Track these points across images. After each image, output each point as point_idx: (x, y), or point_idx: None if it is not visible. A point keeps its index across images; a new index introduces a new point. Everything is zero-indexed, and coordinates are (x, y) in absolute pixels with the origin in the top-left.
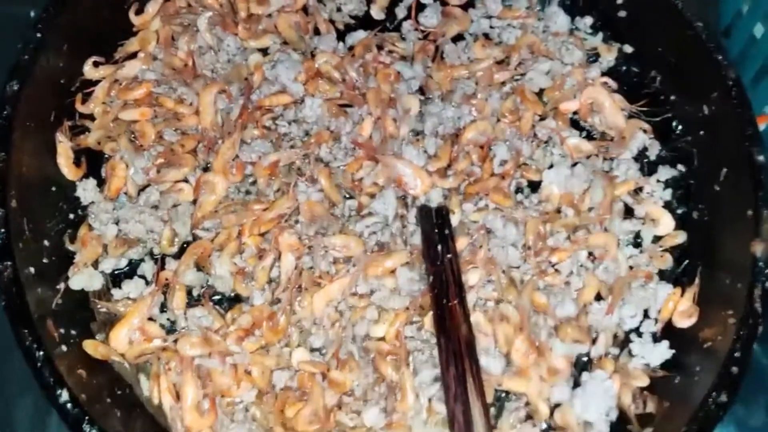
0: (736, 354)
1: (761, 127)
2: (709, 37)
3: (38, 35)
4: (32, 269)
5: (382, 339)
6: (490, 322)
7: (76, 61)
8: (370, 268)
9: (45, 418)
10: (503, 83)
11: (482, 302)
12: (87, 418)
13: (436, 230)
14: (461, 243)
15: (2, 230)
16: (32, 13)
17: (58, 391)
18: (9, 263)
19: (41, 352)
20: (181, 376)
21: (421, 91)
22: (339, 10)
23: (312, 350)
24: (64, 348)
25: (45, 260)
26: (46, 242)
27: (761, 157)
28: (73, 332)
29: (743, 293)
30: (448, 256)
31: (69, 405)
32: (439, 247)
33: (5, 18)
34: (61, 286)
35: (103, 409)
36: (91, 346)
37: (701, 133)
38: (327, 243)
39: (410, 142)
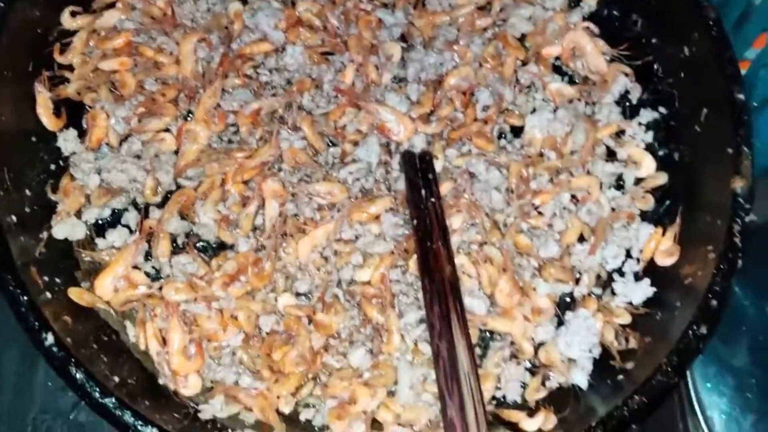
0: (716, 287)
1: (742, 71)
2: None
3: None
4: (14, 218)
5: (368, 283)
6: (474, 264)
7: (53, 10)
8: (355, 214)
9: (31, 370)
10: (485, 29)
11: (466, 245)
12: (73, 360)
13: (420, 175)
14: (445, 187)
15: None
16: None
17: (44, 335)
18: None
19: (25, 297)
20: (166, 322)
21: (403, 38)
22: None
23: (297, 295)
24: (48, 295)
25: (27, 209)
26: (27, 192)
27: (741, 96)
28: (57, 280)
29: (723, 229)
30: (432, 200)
31: (54, 348)
32: (423, 192)
33: None
34: (44, 235)
35: (89, 353)
36: (76, 294)
37: (682, 74)
38: (311, 190)
39: (392, 89)
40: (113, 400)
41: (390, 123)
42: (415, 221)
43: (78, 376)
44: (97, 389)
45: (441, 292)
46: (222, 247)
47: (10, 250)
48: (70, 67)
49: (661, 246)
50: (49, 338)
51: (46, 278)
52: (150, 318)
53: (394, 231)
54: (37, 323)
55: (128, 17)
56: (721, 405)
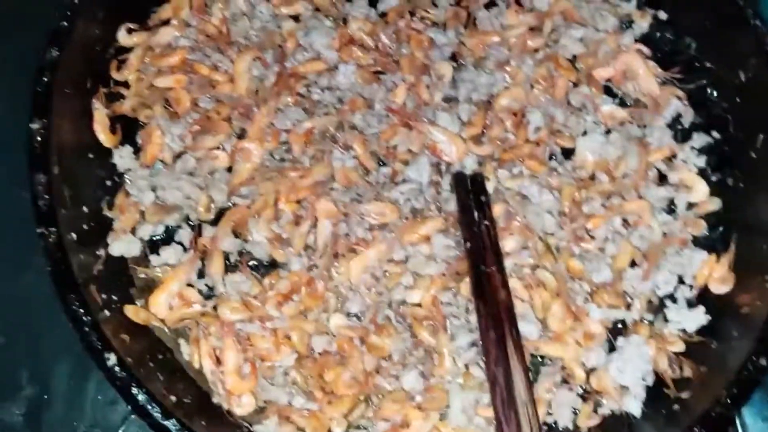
0: None
1: None
2: (747, 3)
3: (76, 2)
4: (74, 235)
5: (419, 305)
6: (527, 288)
7: (111, 28)
8: (406, 235)
9: (82, 384)
10: (536, 50)
11: (519, 269)
12: (135, 381)
13: (472, 197)
14: (497, 210)
15: (46, 196)
16: None
17: (106, 355)
18: (53, 229)
19: (88, 317)
20: (221, 341)
21: (454, 57)
22: None
23: (349, 315)
24: (107, 313)
25: (85, 226)
26: (84, 208)
27: None
28: (114, 297)
29: None
30: (485, 222)
31: (117, 368)
32: (475, 214)
33: None
34: (102, 252)
35: (146, 372)
36: (132, 311)
37: (737, 99)
38: (362, 210)
39: (444, 108)
40: (174, 422)
41: (441, 143)
42: (467, 244)
43: (140, 397)
44: (159, 410)
45: (496, 317)
46: (274, 265)
47: (72, 268)
48: (126, 84)
49: (715, 273)
50: (112, 358)
51: (104, 296)
52: (204, 336)
53: (445, 252)
54: (100, 344)
55: (183, 35)
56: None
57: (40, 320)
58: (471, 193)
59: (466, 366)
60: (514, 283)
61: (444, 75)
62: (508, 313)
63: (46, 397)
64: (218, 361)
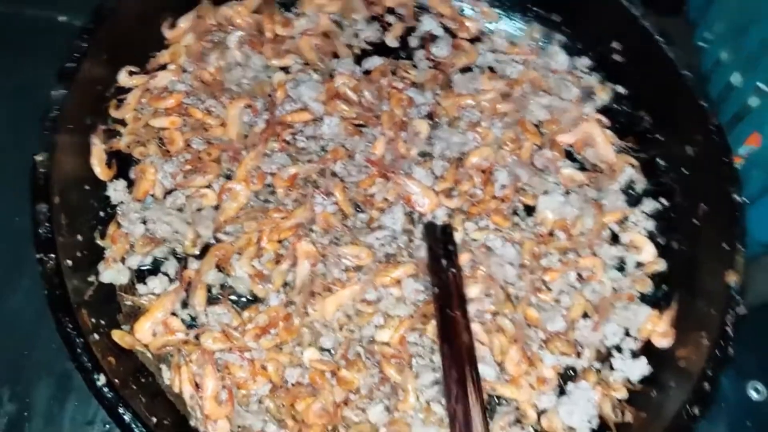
0: (709, 372)
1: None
2: (696, 86)
3: (84, 44)
4: (69, 262)
5: (387, 343)
6: (487, 333)
7: (113, 69)
8: (378, 277)
9: (61, 403)
10: (506, 114)
11: (481, 314)
12: (122, 401)
13: (441, 245)
14: (463, 259)
15: (47, 224)
16: (60, 18)
17: (96, 375)
18: (52, 255)
19: (80, 339)
20: (201, 368)
21: (431, 116)
22: (357, 36)
23: (322, 350)
24: (95, 336)
25: (78, 254)
26: (79, 237)
27: (737, 197)
28: (102, 322)
29: (717, 318)
30: (452, 270)
31: (105, 389)
32: (444, 261)
33: (36, 23)
34: (93, 279)
35: (130, 394)
36: (118, 335)
37: (684, 171)
38: (340, 252)
39: (419, 162)
40: None
41: (415, 195)
42: (435, 289)
43: (126, 417)
44: (144, 430)
45: (458, 358)
46: (254, 300)
47: (68, 292)
48: (123, 122)
49: (658, 328)
50: (102, 379)
51: (93, 320)
52: (185, 363)
53: (414, 296)
54: (90, 364)
55: (180, 79)
56: None
57: (23, 341)
58: (440, 242)
59: (428, 402)
60: (476, 328)
61: (420, 132)
62: (470, 355)
63: (26, 414)
64: (197, 387)
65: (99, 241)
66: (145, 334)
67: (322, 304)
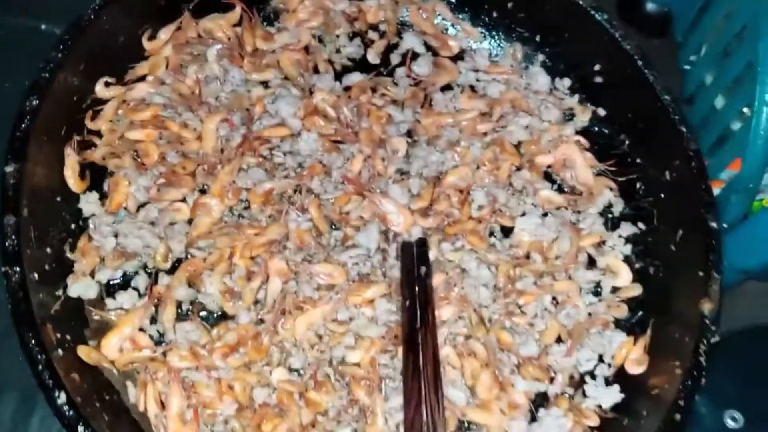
0: (681, 402)
1: (715, 191)
2: (676, 110)
3: (59, 55)
4: (36, 275)
5: (357, 365)
6: (459, 357)
7: (90, 80)
8: (351, 297)
9: (26, 418)
10: (485, 134)
11: (453, 337)
12: (82, 420)
13: (416, 262)
14: (437, 279)
15: (13, 237)
16: (42, 26)
17: (57, 393)
18: (17, 269)
19: (43, 356)
20: (167, 387)
21: (409, 134)
22: (338, 51)
23: (291, 370)
24: (60, 352)
25: (47, 267)
26: (48, 249)
27: (714, 224)
28: (68, 337)
29: (690, 346)
30: (425, 285)
31: (66, 407)
32: (417, 278)
33: (18, 31)
34: (60, 292)
35: (93, 412)
36: (84, 351)
37: (662, 195)
38: (312, 270)
39: (396, 180)
40: None
41: (391, 213)
42: (407, 302)
43: None
44: None
45: (421, 369)
46: (224, 317)
47: (33, 308)
48: (99, 134)
49: (632, 355)
50: (62, 397)
51: (59, 335)
52: (151, 381)
53: (386, 317)
54: (51, 381)
55: (157, 91)
56: None
57: None
58: (415, 258)
59: (397, 426)
60: (447, 351)
61: (399, 149)
62: (435, 368)
63: None
64: (163, 406)
65: (69, 255)
66: (111, 350)
67: (292, 324)
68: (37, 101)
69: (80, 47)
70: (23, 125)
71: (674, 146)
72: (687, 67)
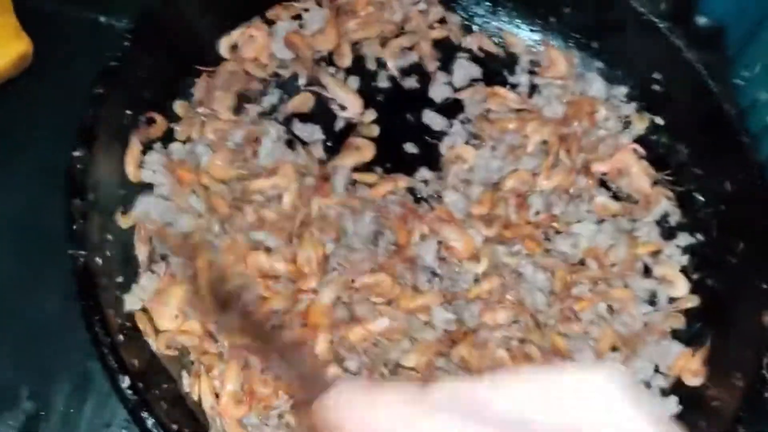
0: (742, 415)
1: None
2: (737, 119)
3: (129, 45)
4: (99, 260)
5: (413, 368)
6: (513, 360)
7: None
8: (403, 302)
9: (79, 404)
10: (545, 140)
11: (507, 341)
12: (146, 405)
13: None
14: (493, 282)
15: (81, 221)
16: (101, 19)
17: (121, 377)
18: (83, 252)
19: (108, 338)
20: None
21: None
22: None
23: (346, 371)
24: (121, 338)
25: (108, 253)
26: (109, 236)
27: None
28: (128, 324)
29: (752, 359)
30: None
31: (129, 391)
32: None
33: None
34: (120, 279)
35: (153, 398)
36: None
37: (722, 207)
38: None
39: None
40: None
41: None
42: None
43: (149, 421)
44: None
45: None
46: None
47: (98, 291)
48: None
49: (690, 366)
50: (126, 381)
51: (119, 321)
52: (205, 372)
53: (443, 325)
54: (117, 365)
55: None
56: None
57: (47, 339)
58: None
59: None
60: (501, 354)
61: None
62: None
63: (43, 413)
64: (218, 397)
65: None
66: (165, 320)
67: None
68: (103, 89)
69: (150, 40)
70: (91, 112)
71: (737, 158)
72: (739, 82)
